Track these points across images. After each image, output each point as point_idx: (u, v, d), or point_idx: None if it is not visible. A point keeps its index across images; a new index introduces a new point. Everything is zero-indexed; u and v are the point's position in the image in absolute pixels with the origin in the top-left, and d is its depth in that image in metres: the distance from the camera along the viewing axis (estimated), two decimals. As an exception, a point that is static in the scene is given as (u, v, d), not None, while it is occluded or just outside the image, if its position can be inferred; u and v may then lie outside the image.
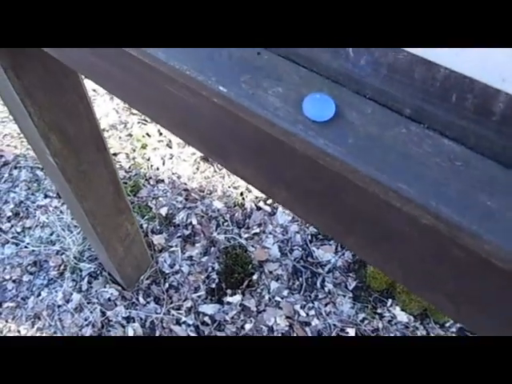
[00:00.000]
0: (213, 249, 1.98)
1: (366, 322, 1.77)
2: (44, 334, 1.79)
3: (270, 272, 1.92)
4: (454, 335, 1.69)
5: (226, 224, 2.06)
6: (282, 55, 0.41)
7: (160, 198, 2.14)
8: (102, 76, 0.60)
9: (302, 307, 1.83)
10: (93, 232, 1.44)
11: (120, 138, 2.39)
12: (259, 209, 2.14)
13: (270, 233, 2.05)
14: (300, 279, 1.90)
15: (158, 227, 2.05)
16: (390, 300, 1.82)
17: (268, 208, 2.13)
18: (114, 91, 0.65)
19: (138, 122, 2.45)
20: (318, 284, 1.89)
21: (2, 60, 0.86)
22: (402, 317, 1.78)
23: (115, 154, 2.29)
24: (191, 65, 0.42)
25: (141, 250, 1.75)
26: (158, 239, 2.00)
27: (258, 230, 2.05)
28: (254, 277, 1.89)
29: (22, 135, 2.38)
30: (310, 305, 1.83)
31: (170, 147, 2.35)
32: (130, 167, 2.25)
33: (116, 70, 0.55)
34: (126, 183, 2.16)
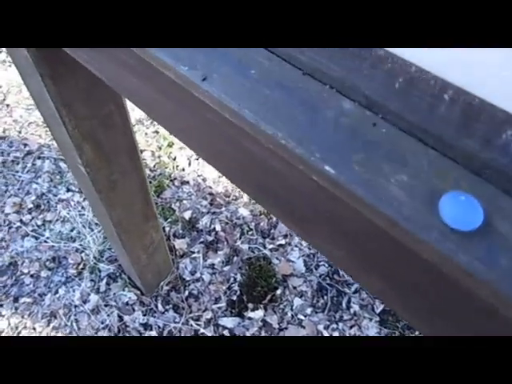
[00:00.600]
0: (236, 258, 1.91)
1: (392, 349, 1.69)
2: (59, 334, 1.75)
3: (294, 287, 1.85)
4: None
5: (250, 233, 1.99)
6: (405, 129, 0.33)
7: (184, 201, 2.07)
8: (153, 108, 0.52)
9: (326, 328, 1.75)
10: (117, 239, 1.38)
11: (146, 134, 2.32)
12: (285, 219, 2.06)
13: (296, 245, 1.97)
14: (325, 297, 1.83)
15: (181, 231, 1.98)
16: (419, 328, 1.73)
17: (295, 219, 2.05)
18: (163, 123, 0.58)
19: (166, 119, 2.37)
20: (344, 304, 1.81)
21: (39, 67, 0.79)
22: (431, 347, 1.69)
23: (140, 151, 2.23)
24: (288, 131, 0.34)
25: (163, 257, 1.69)
26: (179, 244, 1.94)
27: (283, 242, 1.98)
28: (278, 292, 1.82)
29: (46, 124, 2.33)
30: (334, 326, 1.76)
31: (197, 147, 2.27)
32: (154, 166, 2.19)
33: (173, 105, 0.47)
34: (150, 182, 2.09)
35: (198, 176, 2.17)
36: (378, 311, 1.79)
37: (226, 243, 1.96)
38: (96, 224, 1.98)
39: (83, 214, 2.02)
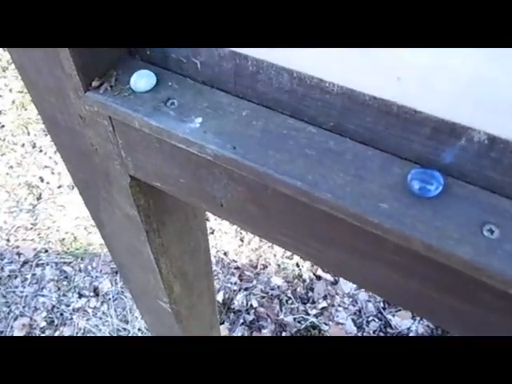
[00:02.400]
0: (284, 334, 1.79)
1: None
2: None
3: (352, 352, 1.75)
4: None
5: (290, 302, 1.88)
6: None
7: (212, 282, 1.93)
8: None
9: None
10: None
11: (151, 216, 2.17)
12: (319, 278, 1.97)
13: (339, 305, 1.88)
14: (386, 356, 1.74)
15: (218, 317, 1.84)
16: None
17: (329, 277, 1.97)
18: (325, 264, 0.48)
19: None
20: (407, 359, 1.73)
21: (147, 224, 0.67)
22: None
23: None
24: None
25: (219, 356, 1.55)
26: (221, 331, 1.79)
27: (325, 304, 1.88)
28: (339, 362, 1.71)
29: (37, 226, 2.13)
30: None
31: (207, 220, 2.16)
32: (169, 249, 2.04)
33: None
34: (170, 269, 1.94)
35: (218, 251, 2.04)
36: (442, 358, 1.72)
37: (268, 319, 1.84)
38: (124, 329, 1.79)
39: (107, 321, 1.83)
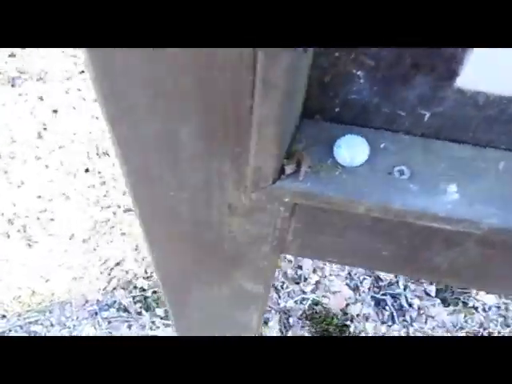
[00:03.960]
0: (292, 320, 1.78)
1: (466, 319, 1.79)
2: None
3: (358, 315, 1.80)
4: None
5: (285, 286, 1.86)
6: None
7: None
8: None
9: (407, 334, 1.76)
10: None
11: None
12: (303, 254, 1.96)
13: (330, 274, 1.91)
14: (387, 308, 1.82)
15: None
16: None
17: (312, 249, 1.97)
18: None
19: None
20: (405, 304, 1.83)
21: (266, 292, 0.58)
22: (491, 299, 1.83)
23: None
24: None
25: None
26: (228, 338, 1.72)
27: (317, 278, 1.89)
28: (351, 329, 1.75)
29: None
30: (412, 330, 1.77)
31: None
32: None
33: None
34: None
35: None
36: (434, 294, 1.85)
37: (272, 310, 1.80)
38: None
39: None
